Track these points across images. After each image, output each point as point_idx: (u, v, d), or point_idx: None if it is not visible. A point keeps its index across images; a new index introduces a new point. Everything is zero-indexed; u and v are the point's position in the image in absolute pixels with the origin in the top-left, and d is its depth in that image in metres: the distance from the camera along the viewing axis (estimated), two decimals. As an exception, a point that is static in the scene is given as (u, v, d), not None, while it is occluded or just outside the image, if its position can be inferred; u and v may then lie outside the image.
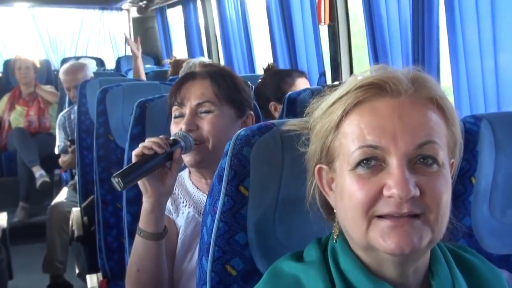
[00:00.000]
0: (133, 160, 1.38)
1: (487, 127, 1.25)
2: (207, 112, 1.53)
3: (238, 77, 1.67)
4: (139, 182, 1.40)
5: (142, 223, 1.42)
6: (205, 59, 3.91)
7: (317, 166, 0.94)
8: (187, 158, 1.52)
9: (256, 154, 1.06)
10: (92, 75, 4.04)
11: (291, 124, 1.05)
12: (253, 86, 1.75)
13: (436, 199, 0.83)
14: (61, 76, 4.04)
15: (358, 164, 0.85)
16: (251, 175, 1.05)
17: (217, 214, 1.06)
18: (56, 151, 4.01)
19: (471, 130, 1.24)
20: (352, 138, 0.86)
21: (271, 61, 3.26)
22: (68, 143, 3.65)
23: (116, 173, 1.32)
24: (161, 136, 1.43)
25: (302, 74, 2.58)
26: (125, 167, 1.38)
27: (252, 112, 1.64)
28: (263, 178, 1.06)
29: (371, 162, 0.84)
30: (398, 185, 0.81)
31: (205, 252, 1.08)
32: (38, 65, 5.42)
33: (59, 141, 3.95)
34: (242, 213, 1.06)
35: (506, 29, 1.81)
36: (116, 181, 1.31)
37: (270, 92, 2.45)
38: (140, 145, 1.39)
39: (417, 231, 0.83)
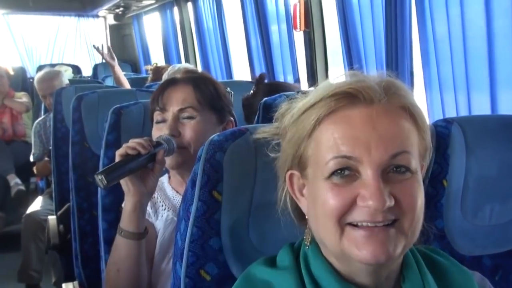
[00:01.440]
0: (117, 159, 1.39)
1: (458, 131, 1.27)
2: (190, 118, 1.55)
3: (219, 83, 1.69)
4: (122, 182, 1.40)
5: (124, 223, 1.43)
6: (189, 65, 3.91)
7: (289, 172, 0.93)
8: (169, 160, 1.53)
9: (229, 159, 1.06)
10: (67, 82, 4.01)
11: (262, 131, 1.04)
12: (232, 92, 1.76)
13: (410, 205, 0.84)
14: (36, 84, 4.00)
15: (332, 174, 0.85)
16: (224, 180, 1.05)
17: (190, 219, 1.06)
18: (32, 158, 3.96)
19: (442, 133, 1.26)
20: (325, 147, 0.86)
21: (262, 71, 3.27)
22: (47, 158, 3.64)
23: (100, 171, 1.34)
24: (144, 138, 1.44)
25: (292, 86, 2.56)
26: (107, 166, 1.39)
27: (232, 119, 1.66)
28: (236, 183, 1.06)
29: (345, 172, 0.84)
30: (373, 197, 0.81)
31: (179, 258, 1.08)
32: (11, 72, 5.34)
33: (35, 149, 3.90)
34: (215, 218, 1.06)
35: (476, 34, 1.84)
36: (99, 178, 1.32)
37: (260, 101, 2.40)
38: (124, 145, 1.41)
39: (391, 239, 0.83)
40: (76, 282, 2.40)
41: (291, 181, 0.94)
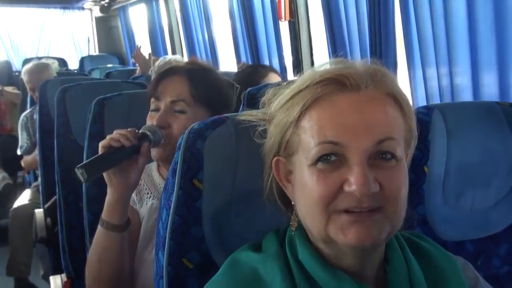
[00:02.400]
0: (100, 151, 1.36)
1: (438, 117, 1.28)
2: (181, 112, 1.52)
3: (221, 77, 1.65)
4: (104, 174, 1.38)
5: (106, 215, 1.41)
6: (179, 57, 3.87)
7: (275, 159, 0.94)
8: (154, 152, 1.50)
9: (210, 147, 1.06)
10: (55, 75, 3.98)
11: (249, 114, 1.04)
12: (238, 87, 1.72)
13: (395, 192, 0.84)
14: (24, 76, 3.97)
15: (318, 159, 0.85)
16: (204, 168, 1.05)
17: (171, 208, 1.06)
18: (19, 152, 3.94)
19: (423, 120, 1.26)
20: (311, 133, 0.86)
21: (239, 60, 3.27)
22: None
23: (80, 164, 1.30)
24: (129, 129, 1.41)
25: (275, 70, 2.57)
26: (90, 158, 1.36)
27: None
28: (217, 171, 1.06)
29: (331, 157, 0.84)
30: (359, 182, 0.81)
31: (161, 247, 1.08)
32: (-4, 66, 5.31)
33: (22, 142, 3.88)
34: (196, 206, 1.06)
35: (458, 19, 1.85)
36: (80, 172, 1.29)
37: (242, 82, 2.40)
38: (108, 137, 1.37)
39: (376, 224, 0.84)
40: (63, 275, 2.40)
41: (277, 167, 0.94)
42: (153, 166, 1.63)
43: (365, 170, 0.82)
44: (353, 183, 0.82)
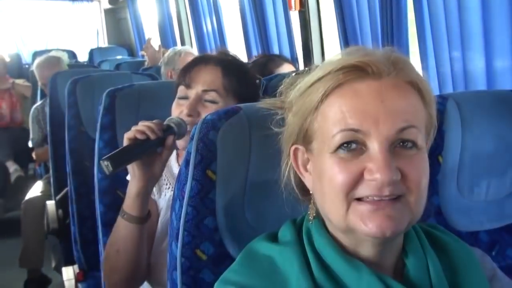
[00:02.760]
0: (125, 143, 1.35)
1: (453, 107, 1.27)
2: (212, 102, 1.50)
3: (250, 70, 1.64)
4: (128, 166, 1.37)
5: (127, 206, 1.40)
6: (189, 48, 3.85)
7: (293, 147, 0.93)
8: (183, 142, 1.48)
9: (223, 138, 1.05)
10: (66, 68, 3.99)
11: (266, 102, 1.02)
12: (264, 82, 1.71)
13: (416, 181, 0.84)
14: (36, 71, 3.97)
15: (339, 147, 0.84)
16: (218, 159, 1.05)
17: (185, 199, 1.05)
18: (30, 144, 3.96)
19: (438, 109, 1.24)
20: (333, 121, 0.85)
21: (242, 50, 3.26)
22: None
23: (106, 157, 1.28)
24: (155, 121, 1.39)
25: (288, 60, 2.56)
26: (115, 150, 1.34)
27: None
28: (230, 161, 1.06)
29: (352, 145, 0.84)
30: (380, 170, 0.81)
31: (174, 238, 1.08)
32: (7, 59, 5.32)
33: (33, 134, 3.89)
34: (210, 197, 1.05)
35: (472, 7, 1.83)
36: (105, 165, 1.27)
37: (256, 72, 2.38)
38: (133, 129, 1.36)
39: (397, 213, 0.83)
40: (76, 266, 2.41)
41: (296, 156, 0.93)
42: (172, 156, 1.60)
43: (386, 157, 0.82)
44: (374, 171, 0.82)
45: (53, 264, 3.34)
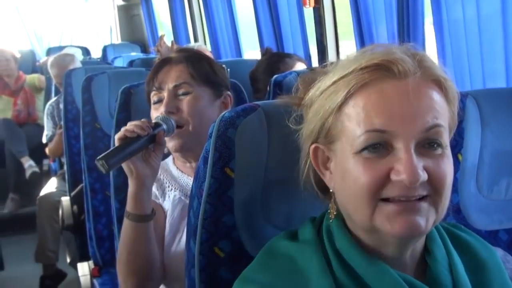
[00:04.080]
0: (116, 143, 1.39)
1: (473, 104, 1.26)
2: (185, 94, 1.55)
3: (212, 59, 1.71)
4: (124, 165, 1.40)
5: (129, 206, 1.43)
6: (202, 45, 3.84)
7: (313, 146, 0.92)
8: (170, 143, 1.53)
9: (241, 135, 1.04)
10: (80, 65, 4.01)
11: (283, 100, 1.02)
12: (228, 69, 1.77)
13: (442, 181, 0.83)
14: (51, 70, 4.00)
15: (364, 148, 0.84)
16: (236, 157, 1.04)
17: (203, 197, 1.05)
18: (44, 140, 3.99)
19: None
20: (357, 121, 0.84)
21: (267, 46, 3.23)
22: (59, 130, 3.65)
23: (100, 156, 1.32)
24: (142, 120, 1.43)
25: (301, 59, 2.53)
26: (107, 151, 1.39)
27: (229, 93, 1.66)
28: (248, 159, 1.05)
29: (378, 146, 0.83)
30: (407, 171, 0.80)
31: (192, 235, 1.07)
32: (18, 55, 5.35)
33: (47, 130, 3.92)
34: (228, 194, 1.05)
35: (491, 3, 1.81)
36: (100, 164, 1.31)
37: (268, 71, 2.35)
38: (123, 129, 1.40)
39: (423, 214, 0.83)
40: (91, 262, 2.43)
41: (315, 154, 0.92)
42: (169, 161, 1.65)
43: (413, 158, 0.81)
44: (401, 172, 0.81)
45: (68, 260, 3.37)
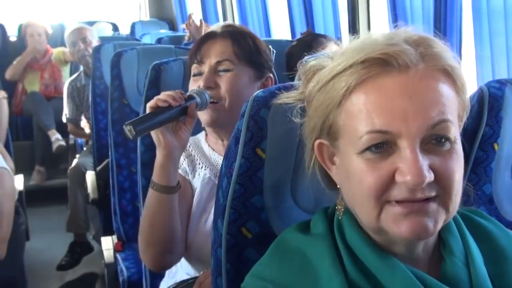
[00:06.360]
0: (147, 111, 1.39)
1: (511, 92, 1.22)
2: (226, 70, 1.53)
3: (259, 39, 1.66)
4: (153, 134, 1.40)
5: (155, 176, 1.43)
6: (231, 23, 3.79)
7: (317, 141, 0.89)
8: (203, 116, 1.52)
9: (274, 116, 1.03)
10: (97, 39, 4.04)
11: (285, 97, 0.99)
12: (274, 51, 1.73)
13: (450, 179, 0.80)
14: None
15: (367, 149, 0.80)
16: (268, 138, 1.03)
17: (233, 176, 1.04)
18: (64, 119, 4.01)
19: (496, 95, 1.20)
20: (358, 120, 0.81)
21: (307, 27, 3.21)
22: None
23: (128, 122, 1.32)
24: (176, 90, 1.43)
25: (337, 41, 2.50)
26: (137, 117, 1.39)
27: (271, 75, 1.63)
28: (280, 141, 1.04)
29: (381, 145, 0.80)
30: (412, 172, 0.77)
31: (220, 215, 1.07)
32: (50, 31, 5.40)
33: (68, 110, 3.93)
34: (258, 175, 1.04)
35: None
36: (128, 129, 1.31)
37: (301, 51, 2.35)
38: (155, 98, 1.39)
39: (432, 215, 0.80)
40: (114, 236, 2.46)
41: (320, 150, 0.90)
42: (201, 137, 1.64)
43: (418, 158, 0.77)
44: (406, 172, 0.77)
45: (92, 233, 3.41)
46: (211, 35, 1.59)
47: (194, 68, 1.57)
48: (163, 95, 1.40)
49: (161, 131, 1.39)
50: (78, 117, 3.89)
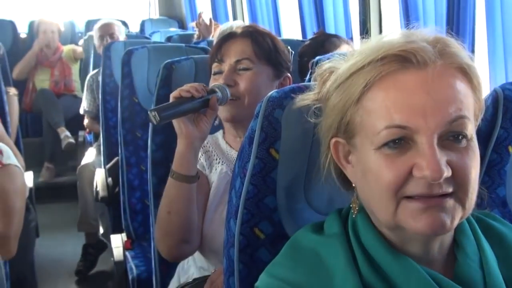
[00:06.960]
0: (171, 101, 1.44)
1: (527, 94, 1.20)
2: (246, 69, 1.58)
3: (278, 39, 1.70)
4: (175, 123, 1.45)
5: (175, 165, 1.47)
6: (241, 23, 3.81)
7: (333, 140, 0.90)
8: (223, 113, 1.56)
9: (288, 116, 1.03)
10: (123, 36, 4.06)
11: (302, 99, 0.99)
12: (293, 52, 1.76)
13: (467, 176, 0.80)
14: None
15: (385, 144, 0.81)
16: (282, 138, 1.03)
17: (246, 177, 1.04)
18: (81, 111, 4.02)
19: (510, 97, 1.19)
20: (377, 116, 0.82)
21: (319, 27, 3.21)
22: None
23: (153, 108, 1.40)
24: (199, 83, 1.48)
25: (349, 42, 2.50)
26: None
27: (289, 75, 1.67)
28: (294, 141, 1.03)
29: (399, 141, 0.81)
30: (430, 167, 0.77)
31: (233, 215, 1.07)
32: (62, 28, 5.43)
33: (87, 103, 3.94)
34: (272, 176, 1.03)
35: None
36: (152, 115, 1.37)
37: (313, 51, 2.36)
38: (178, 89, 1.45)
39: (449, 211, 0.80)
40: (123, 234, 2.46)
41: (336, 148, 0.90)
42: (218, 135, 1.68)
43: (436, 153, 0.78)
44: (424, 168, 0.78)
45: (101, 231, 3.41)
46: (232, 35, 1.64)
47: (215, 67, 1.62)
48: (187, 86, 1.45)
49: (183, 121, 1.44)
50: (95, 109, 3.90)
